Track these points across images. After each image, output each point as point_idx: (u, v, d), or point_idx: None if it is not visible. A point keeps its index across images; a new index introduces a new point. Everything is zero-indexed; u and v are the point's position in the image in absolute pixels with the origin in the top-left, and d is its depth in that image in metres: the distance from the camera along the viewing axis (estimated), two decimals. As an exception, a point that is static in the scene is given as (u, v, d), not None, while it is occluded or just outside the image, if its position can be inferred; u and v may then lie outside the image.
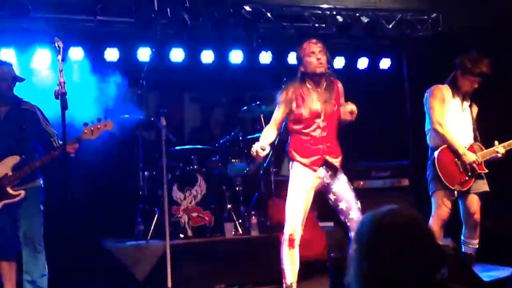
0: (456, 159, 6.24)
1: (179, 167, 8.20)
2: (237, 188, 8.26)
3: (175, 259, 6.91)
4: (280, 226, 7.74)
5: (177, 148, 8.44)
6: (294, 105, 5.68)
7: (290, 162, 5.80)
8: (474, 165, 6.21)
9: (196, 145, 8.65)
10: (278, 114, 5.79)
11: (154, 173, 8.20)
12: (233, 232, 7.86)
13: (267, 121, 8.41)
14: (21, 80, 6.03)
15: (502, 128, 6.87)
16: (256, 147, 5.56)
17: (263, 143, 5.64)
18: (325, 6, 8.91)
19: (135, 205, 8.13)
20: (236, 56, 9.31)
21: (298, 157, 5.71)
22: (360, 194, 8.50)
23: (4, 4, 7.57)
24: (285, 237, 5.61)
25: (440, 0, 9.26)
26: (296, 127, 5.75)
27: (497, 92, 7.81)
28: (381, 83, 9.91)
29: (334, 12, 8.89)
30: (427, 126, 6.48)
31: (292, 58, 9.47)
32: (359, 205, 5.74)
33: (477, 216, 6.40)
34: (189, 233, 7.75)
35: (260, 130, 8.43)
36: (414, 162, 9.02)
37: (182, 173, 8.12)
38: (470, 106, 6.49)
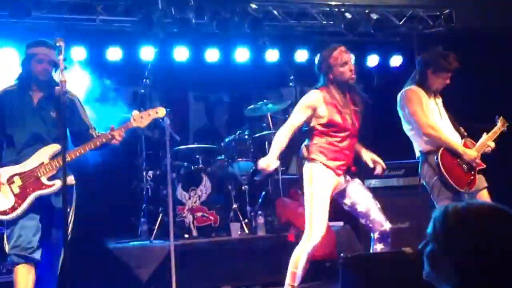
0: (458, 160, 5.98)
1: (184, 166, 8.14)
2: (243, 187, 8.17)
3: (179, 260, 6.83)
4: (288, 226, 7.69)
5: (181, 147, 8.40)
6: (320, 110, 5.50)
7: (308, 163, 5.58)
8: (476, 161, 6.00)
9: (201, 144, 8.59)
10: (300, 118, 5.58)
11: (158, 172, 8.16)
12: (239, 232, 7.76)
13: (274, 119, 8.40)
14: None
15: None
16: (263, 165, 5.45)
17: (274, 155, 5.49)
18: (333, 3, 8.83)
19: (139, 205, 8.09)
20: (241, 55, 9.24)
21: (323, 159, 5.50)
22: (374, 192, 8.50)
23: (5, 4, 7.56)
24: (313, 243, 5.42)
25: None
26: (325, 129, 5.55)
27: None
28: (393, 81, 9.82)
29: (343, 9, 8.82)
30: (410, 132, 6.24)
31: (299, 56, 9.40)
32: (378, 205, 5.58)
33: None
34: (194, 233, 7.67)
35: (267, 128, 8.36)
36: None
37: (186, 172, 8.06)
38: (440, 102, 6.28)
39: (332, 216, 7.89)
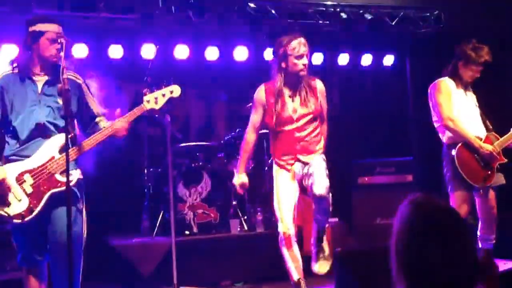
0: (475, 155, 6.03)
1: (185, 164, 8.23)
2: (242, 185, 8.21)
3: (180, 256, 6.88)
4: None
5: (182, 145, 8.46)
6: (267, 105, 5.69)
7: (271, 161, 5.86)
8: (494, 156, 6.03)
9: (201, 142, 8.69)
10: (257, 117, 5.82)
11: (159, 170, 8.23)
12: (238, 229, 7.90)
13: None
14: (71, 43, 5.12)
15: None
16: (237, 185, 5.78)
17: (243, 168, 5.80)
18: (329, 3, 8.91)
19: (141, 202, 8.18)
20: (241, 53, 9.31)
21: (275, 158, 5.81)
22: (364, 190, 8.64)
23: (6, 0, 7.59)
24: (281, 236, 5.62)
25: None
26: (272, 127, 5.75)
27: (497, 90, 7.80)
28: (385, 80, 9.94)
29: (338, 9, 8.89)
30: (437, 123, 6.29)
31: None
32: (327, 183, 5.53)
33: (494, 211, 6.24)
34: (195, 229, 7.78)
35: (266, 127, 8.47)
36: (418, 158, 9.06)
37: (187, 170, 8.14)
38: (472, 95, 6.37)
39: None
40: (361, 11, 8.89)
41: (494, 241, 6.32)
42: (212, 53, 9.22)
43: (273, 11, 8.71)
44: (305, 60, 5.59)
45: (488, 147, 6.03)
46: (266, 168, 8.32)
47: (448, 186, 6.16)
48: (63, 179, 4.75)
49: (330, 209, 5.65)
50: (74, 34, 7.96)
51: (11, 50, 7.96)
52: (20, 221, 4.73)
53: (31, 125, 4.84)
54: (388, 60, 10.11)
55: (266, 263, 7.35)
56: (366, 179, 8.62)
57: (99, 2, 8.11)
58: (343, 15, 8.82)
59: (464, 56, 6.19)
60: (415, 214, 2.35)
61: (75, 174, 4.94)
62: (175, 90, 5.31)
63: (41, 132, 4.85)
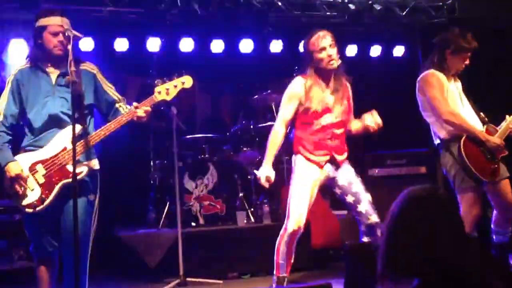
0: (481, 148, 5.77)
1: (191, 155, 8.22)
2: (248, 177, 8.25)
3: (187, 247, 6.93)
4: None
5: (188, 137, 8.46)
6: (304, 99, 5.49)
7: (294, 155, 5.65)
8: (500, 148, 5.79)
9: (208, 134, 8.67)
10: (289, 111, 5.57)
11: (165, 162, 8.23)
12: (245, 221, 7.85)
13: (278, 109, 8.47)
14: (78, 38, 4.90)
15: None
16: (263, 178, 5.52)
17: (270, 163, 5.55)
18: (336, -6, 8.90)
19: (147, 194, 8.18)
20: (246, 45, 9.30)
21: (304, 151, 5.54)
22: (376, 182, 8.60)
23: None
24: (289, 232, 5.47)
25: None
26: (305, 120, 5.55)
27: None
28: (395, 71, 9.89)
29: (346, 0, 8.86)
30: (429, 118, 6.05)
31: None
32: (369, 197, 5.56)
33: (509, 200, 5.91)
34: (201, 221, 7.77)
35: (272, 119, 8.43)
36: (432, 149, 9.03)
37: (193, 161, 8.14)
38: (459, 86, 6.10)
39: (336, 205, 8.06)
40: (370, 2, 8.83)
41: (510, 234, 6.05)
42: (217, 46, 9.21)
43: (279, 3, 8.70)
44: (330, 51, 5.45)
45: (496, 140, 5.79)
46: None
47: (454, 184, 5.89)
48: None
49: None
50: (80, 27, 8.00)
51: (20, 45, 8.00)
52: (32, 210, 4.75)
53: (45, 116, 4.86)
54: (399, 50, 10.06)
55: (272, 255, 7.31)
56: (377, 171, 8.58)
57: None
58: (351, 6, 8.78)
59: (453, 44, 5.92)
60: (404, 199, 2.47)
61: (91, 165, 4.97)
62: (187, 81, 5.15)
63: (55, 123, 4.86)
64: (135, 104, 4.94)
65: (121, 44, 8.79)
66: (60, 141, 4.85)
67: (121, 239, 7.38)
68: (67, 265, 4.89)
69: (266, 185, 5.55)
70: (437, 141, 6.06)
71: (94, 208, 5.06)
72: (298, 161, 5.58)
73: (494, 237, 6.09)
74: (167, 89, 5.05)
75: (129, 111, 4.94)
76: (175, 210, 7.06)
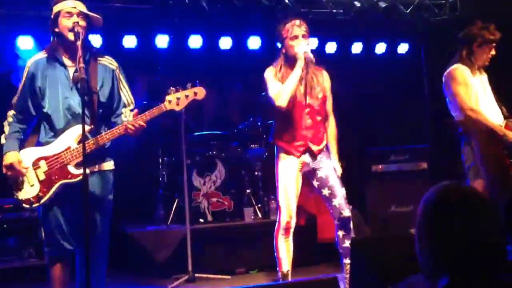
0: (498, 143, 5.90)
1: (199, 152, 8.24)
2: (256, 173, 8.28)
3: (195, 244, 6.98)
4: (299, 210, 7.85)
5: (196, 134, 8.51)
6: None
7: (275, 148, 5.67)
8: None
9: (215, 131, 8.72)
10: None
11: (173, 159, 8.26)
12: (252, 217, 7.91)
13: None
14: (96, 22, 4.89)
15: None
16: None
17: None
18: (343, -9, 8.92)
19: (155, 191, 8.22)
20: (254, 42, 9.32)
21: (282, 142, 5.58)
22: (379, 177, 8.64)
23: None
24: (282, 225, 5.51)
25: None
26: (281, 111, 5.50)
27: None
28: (399, 68, 9.93)
29: (352, -3, 8.91)
30: (454, 112, 6.14)
31: (310, 44, 9.47)
32: (344, 192, 5.55)
33: None
34: (209, 218, 7.81)
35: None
36: (433, 145, 9.07)
37: (201, 158, 8.17)
38: (486, 80, 6.23)
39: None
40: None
41: None
42: (225, 43, 9.24)
43: (286, 0, 8.72)
44: (301, 40, 5.43)
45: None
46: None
47: (468, 174, 6.03)
48: (75, 171, 4.69)
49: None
50: (88, 24, 8.00)
51: (26, 42, 8.03)
52: (28, 206, 4.74)
53: (66, 114, 4.77)
54: (403, 48, 10.09)
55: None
56: (380, 167, 8.62)
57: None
58: (357, 4, 8.81)
59: (478, 37, 6.08)
60: (441, 196, 2.34)
61: (102, 167, 4.90)
62: (200, 92, 5.00)
63: (75, 120, 4.74)
64: (135, 112, 4.81)
65: (130, 41, 8.83)
66: (66, 139, 4.75)
67: (130, 236, 7.42)
68: (92, 265, 4.62)
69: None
70: (460, 133, 6.18)
71: (111, 207, 5.02)
72: (277, 153, 5.64)
73: None
74: (178, 99, 4.89)
75: (122, 125, 4.75)
76: (184, 207, 7.11)
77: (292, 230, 5.57)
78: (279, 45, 5.69)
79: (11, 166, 4.72)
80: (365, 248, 4.84)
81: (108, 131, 4.76)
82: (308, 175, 5.66)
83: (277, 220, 5.59)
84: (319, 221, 7.47)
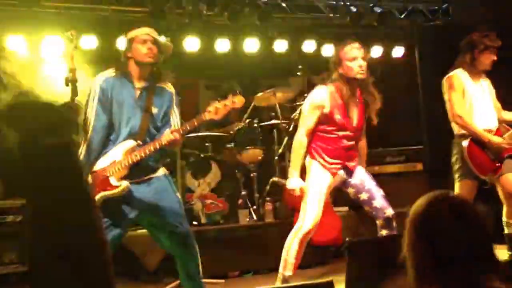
0: (485, 148, 6.11)
1: (193, 154, 8.24)
2: (251, 175, 8.23)
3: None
4: (295, 213, 7.84)
5: (191, 135, 8.46)
6: (327, 108, 5.49)
7: (309, 159, 5.65)
8: (502, 147, 6.10)
9: (211, 132, 8.70)
10: (312, 120, 5.55)
11: (168, 160, 8.22)
12: (247, 219, 7.88)
13: (282, 108, 8.50)
14: (166, 51, 5.19)
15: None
16: (297, 190, 5.51)
17: (298, 172, 5.55)
18: (339, -4, 9.01)
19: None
20: (251, 45, 9.33)
21: (319, 158, 5.58)
22: (375, 179, 8.65)
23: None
24: (304, 230, 5.53)
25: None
26: (325, 127, 5.57)
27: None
28: (394, 71, 10.00)
29: (348, 3, 9.01)
30: (449, 115, 6.36)
31: (307, 47, 9.52)
32: (382, 192, 5.65)
33: None
34: (203, 220, 7.78)
35: (275, 117, 8.45)
36: (428, 147, 9.14)
37: (196, 160, 8.16)
38: (488, 84, 6.45)
39: (337, 202, 8.10)
40: (370, 4, 8.97)
41: None
42: (222, 45, 9.25)
43: (283, 4, 8.79)
44: (360, 62, 5.49)
45: (496, 140, 6.13)
46: (276, 157, 8.35)
47: (455, 174, 6.28)
48: (115, 183, 4.80)
49: None
50: (84, 26, 8.01)
51: (18, 41, 7.99)
52: None
53: (128, 131, 4.91)
54: (398, 51, 10.16)
55: (275, 254, 7.34)
56: (376, 168, 8.64)
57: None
58: (353, 9, 8.92)
59: (480, 44, 6.26)
60: (431, 207, 2.36)
61: (161, 172, 5.09)
62: (238, 101, 5.00)
63: (136, 139, 4.91)
64: (173, 129, 4.94)
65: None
66: (114, 154, 4.90)
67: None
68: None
69: (298, 193, 5.54)
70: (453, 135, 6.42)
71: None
72: (313, 166, 5.61)
73: (505, 229, 6.31)
74: (217, 108, 4.95)
75: (162, 136, 4.89)
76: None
77: (309, 238, 5.63)
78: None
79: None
80: (363, 249, 4.86)
81: (151, 142, 4.88)
82: (341, 185, 5.74)
83: (299, 224, 5.59)
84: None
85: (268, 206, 7.85)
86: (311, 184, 5.58)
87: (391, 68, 9.98)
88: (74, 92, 4.62)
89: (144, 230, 7.59)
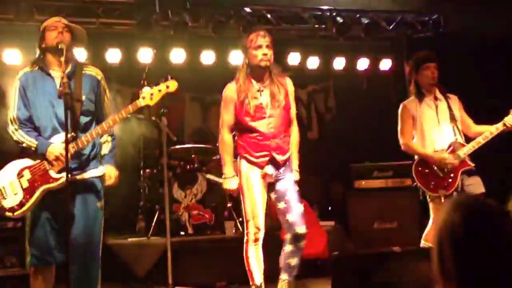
0: (432, 166, 6.22)
1: (180, 165, 8.28)
2: (237, 187, 8.25)
3: (176, 256, 6.93)
4: (280, 225, 7.88)
5: (178, 147, 8.52)
6: (238, 100, 5.52)
7: (238, 159, 5.67)
8: (449, 163, 6.14)
9: (197, 144, 8.74)
10: (229, 115, 5.63)
11: (155, 171, 8.29)
12: (233, 230, 7.95)
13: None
14: (80, 37, 5.15)
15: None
16: (234, 187, 5.64)
17: (232, 169, 5.64)
18: (325, 7, 9.00)
19: (136, 203, 8.27)
20: (236, 57, 9.37)
21: (245, 154, 5.57)
22: (362, 193, 8.68)
23: (10, 8, 7.73)
24: (250, 237, 5.54)
25: (441, 1, 9.38)
26: (242, 122, 5.55)
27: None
28: (382, 84, 10.02)
29: (334, 13, 9.00)
30: None
31: (292, 59, 9.55)
32: (300, 208, 5.54)
33: None
34: (190, 230, 7.84)
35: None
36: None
37: (182, 171, 8.20)
38: (446, 100, 6.40)
39: (323, 216, 8.14)
40: (357, 15, 8.97)
41: None
42: (208, 57, 9.29)
43: (268, 16, 8.82)
44: (265, 50, 5.44)
45: (439, 157, 6.18)
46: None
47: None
48: (56, 176, 4.82)
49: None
50: (73, 38, 8.05)
51: (13, 55, 8.07)
52: (11, 214, 4.82)
53: (52, 122, 4.90)
54: (386, 64, 10.18)
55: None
56: (364, 182, 8.66)
57: (97, 8, 8.22)
58: (339, 19, 8.91)
59: (414, 65, 6.41)
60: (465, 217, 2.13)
61: (94, 172, 5.05)
62: (171, 85, 5.09)
63: (61, 128, 4.82)
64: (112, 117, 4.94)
65: (113, 55, 8.88)
66: (50, 146, 4.84)
67: (110, 247, 7.36)
68: (77, 275, 4.83)
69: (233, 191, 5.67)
70: None
71: (102, 215, 5.11)
72: (242, 165, 5.62)
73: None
74: (151, 94, 5.02)
75: (99, 125, 4.93)
76: (165, 219, 7.11)
77: (260, 242, 5.59)
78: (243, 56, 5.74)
79: (58, 158, 4.81)
80: (348, 264, 4.89)
81: (87, 133, 4.88)
82: (269, 186, 5.64)
83: (245, 232, 5.63)
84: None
85: (252, 218, 7.86)
86: (244, 185, 5.58)
87: (378, 81, 10.03)
88: (67, 105, 4.57)
89: (134, 238, 7.68)
